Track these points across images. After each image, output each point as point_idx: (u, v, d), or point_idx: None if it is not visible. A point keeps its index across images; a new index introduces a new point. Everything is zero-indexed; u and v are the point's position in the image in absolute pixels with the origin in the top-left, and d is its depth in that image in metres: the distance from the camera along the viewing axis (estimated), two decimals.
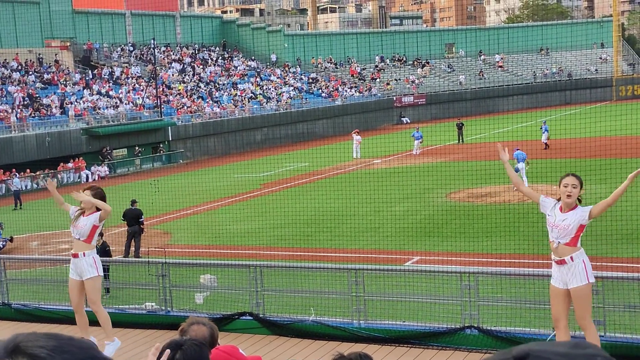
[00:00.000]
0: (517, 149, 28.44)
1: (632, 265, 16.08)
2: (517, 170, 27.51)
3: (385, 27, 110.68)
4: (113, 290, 14.47)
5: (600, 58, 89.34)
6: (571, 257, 8.10)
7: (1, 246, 22.79)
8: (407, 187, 26.18)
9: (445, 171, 30.93)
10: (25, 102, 48.30)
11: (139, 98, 55.47)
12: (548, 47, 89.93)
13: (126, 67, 61.01)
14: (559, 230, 8.10)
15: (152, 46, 60.42)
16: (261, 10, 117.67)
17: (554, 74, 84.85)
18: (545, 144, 39.81)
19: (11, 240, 23.44)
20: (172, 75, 63.33)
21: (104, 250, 14.90)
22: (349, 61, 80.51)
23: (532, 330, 9.73)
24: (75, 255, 10.21)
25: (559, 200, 8.27)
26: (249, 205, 29.35)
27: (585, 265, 8.16)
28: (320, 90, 71.05)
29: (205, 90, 62.45)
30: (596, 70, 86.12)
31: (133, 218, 20.32)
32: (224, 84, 65.34)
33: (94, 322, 10.56)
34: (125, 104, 53.70)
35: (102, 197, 10.26)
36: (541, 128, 40.89)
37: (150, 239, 21.76)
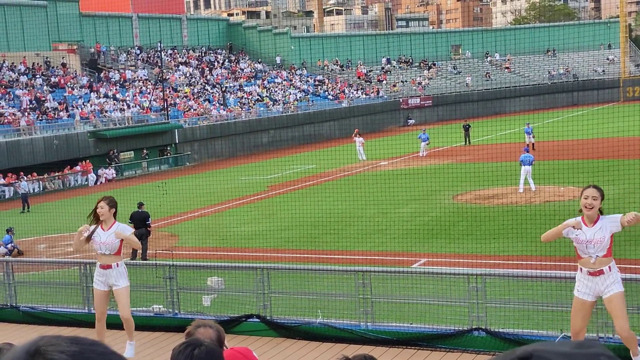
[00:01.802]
0: (525, 151, 28.34)
1: (638, 266, 16.02)
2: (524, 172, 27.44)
3: (392, 29, 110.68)
4: None
5: (608, 59, 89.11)
6: (609, 267, 8.06)
7: (10, 249, 22.83)
8: (413, 189, 26.15)
9: (452, 173, 30.88)
10: (33, 106, 48.46)
11: (145, 101, 55.60)
12: (555, 49, 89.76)
13: (123, 72, 61.08)
14: (596, 244, 7.98)
15: (159, 49, 60.58)
16: (267, 13, 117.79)
17: (561, 75, 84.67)
18: (532, 144, 40.14)
19: (20, 253, 23.40)
20: (179, 77, 63.45)
21: None
22: (350, 63, 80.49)
23: (540, 332, 9.70)
24: (108, 267, 10.11)
25: (580, 212, 8.18)
26: (255, 207, 29.37)
27: (619, 274, 8.19)
28: (326, 92, 71.08)
29: (212, 92, 62.54)
30: (603, 71, 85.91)
31: (140, 220, 20.36)
32: (230, 87, 65.43)
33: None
34: (132, 106, 53.83)
35: (115, 205, 10.24)
36: (528, 132, 41.15)
37: (158, 242, 21.80)
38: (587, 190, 8.08)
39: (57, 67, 56.38)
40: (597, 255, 8.03)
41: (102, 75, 58.65)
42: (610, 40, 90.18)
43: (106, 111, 51.30)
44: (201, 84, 63.82)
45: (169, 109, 54.52)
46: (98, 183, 44.76)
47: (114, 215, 10.17)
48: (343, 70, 79.18)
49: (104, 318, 10.40)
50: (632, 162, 28.74)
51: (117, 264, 10.15)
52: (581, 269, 8.21)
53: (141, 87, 58.50)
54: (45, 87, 52.20)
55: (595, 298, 8.18)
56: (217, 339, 4.50)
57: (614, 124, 36.33)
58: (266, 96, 65.59)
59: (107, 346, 1.34)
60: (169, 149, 52.41)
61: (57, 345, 1.26)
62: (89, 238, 10.10)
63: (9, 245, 22.83)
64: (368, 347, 10.07)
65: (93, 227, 10.14)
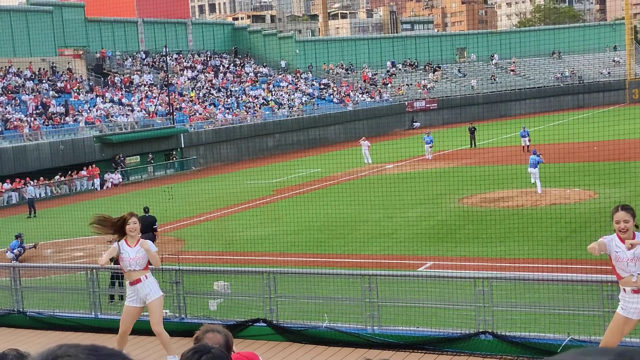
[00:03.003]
0: (534, 152, 28.30)
1: None
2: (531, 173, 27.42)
3: (397, 32, 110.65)
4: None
5: (613, 61, 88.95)
6: None
7: (20, 253, 22.90)
8: (419, 192, 26.11)
9: (457, 176, 30.84)
10: (39, 111, 48.62)
11: (151, 105, 55.71)
12: (560, 51, 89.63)
13: (127, 76, 61.22)
14: (636, 262, 7.83)
15: (164, 54, 60.70)
16: (272, 17, 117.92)
17: (566, 78, 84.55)
18: (527, 147, 40.64)
19: (35, 247, 23.52)
20: (184, 82, 63.58)
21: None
22: (355, 67, 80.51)
23: (547, 336, 9.67)
24: (138, 281, 10.01)
25: (614, 232, 8.08)
26: (261, 211, 29.37)
27: None
28: (331, 96, 71.11)
29: (217, 96, 62.63)
30: (609, 73, 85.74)
31: (147, 225, 20.34)
32: (235, 90, 65.52)
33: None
34: (138, 111, 53.95)
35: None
36: (523, 135, 41.82)
37: (164, 246, 21.81)
38: (618, 214, 7.86)
39: (63, 72, 56.55)
40: (638, 274, 7.88)
41: (107, 80, 58.81)
42: (615, 42, 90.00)
43: (112, 116, 51.43)
44: (206, 88, 63.93)
45: (174, 113, 54.62)
46: (104, 188, 44.85)
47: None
48: (348, 73, 79.22)
49: (126, 335, 10.32)
50: (639, 164, 28.65)
51: (146, 276, 10.08)
52: (624, 289, 8.02)
53: (147, 92, 58.63)
54: (51, 93, 52.37)
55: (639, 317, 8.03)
56: (225, 344, 4.50)
57: (620, 126, 36.21)
58: (271, 100, 65.66)
59: (127, 356, 1.32)
60: (174, 153, 52.49)
61: (75, 356, 1.24)
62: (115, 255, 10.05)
63: (16, 250, 22.89)
64: (374, 351, 10.06)
65: (115, 243, 10.07)
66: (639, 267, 7.86)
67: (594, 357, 1.25)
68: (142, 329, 11.66)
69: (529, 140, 42.02)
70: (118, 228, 10.03)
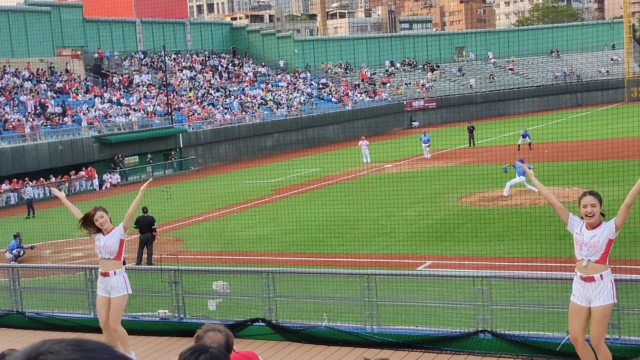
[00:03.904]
0: (519, 160, 27.84)
1: None
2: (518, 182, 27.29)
3: (395, 32, 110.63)
4: None
5: (612, 59, 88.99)
6: (600, 276, 8.01)
7: (19, 254, 22.89)
8: (418, 191, 26.12)
9: (456, 175, 30.85)
10: (37, 111, 48.59)
11: (150, 105, 55.68)
12: (559, 49, 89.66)
13: (125, 76, 61.18)
14: (589, 247, 7.99)
15: (163, 53, 60.68)
16: (271, 17, 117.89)
17: (565, 76, 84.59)
18: (519, 146, 40.68)
19: (32, 248, 23.53)
20: (183, 82, 63.55)
21: None
22: (354, 66, 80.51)
23: (547, 334, 9.67)
24: (106, 274, 10.22)
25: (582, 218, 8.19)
26: (260, 211, 29.38)
27: (613, 285, 8.11)
28: (330, 96, 71.10)
29: (216, 96, 62.61)
30: (607, 71, 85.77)
31: (146, 225, 20.38)
32: (234, 90, 65.51)
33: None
34: (137, 111, 53.93)
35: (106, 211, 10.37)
36: (524, 136, 41.78)
37: (163, 246, 21.81)
38: (585, 198, 8.02)
39: (61, 72, 56.52)
40: (589, 260, 8.01)
41: (106, 80, 58.77)
42: (614, 40, 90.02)
43: (110, 116, 51.41)
44: (205, 88, 63.91)
45: (173, 113, 54.60)
46: (103, 188, 44.84)
47: (110, 220, 10.32)
48: (347, 73, 79.22)
49: (108, 327, 10.37)
50: (638, 162, 28.67)
51: (115, 272, 10.21)
52: (576, 272, 8.22)
53: (145, 92, 58.60)
54: (49, 93, 52.34)
55: (588, 304, 8.13)
56: (226, 344, 4.51)
57: (619, 124, 36.24)
58: (270, 100, 65.64)
59: (113, 350, 1.29)
60: (173, 153, 52.47)
61: (58, 353, 1.22)
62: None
63: (14, 251, 22.88)
64: (374, 351, 10.06)
65: (94, 235, 10.24)
66: (591, 253, 7.98)
67: None
68: (140, 328, 11.67)
69: (529, 142, 41.95)
70: (90, 225, 10.17)
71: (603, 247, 7.99)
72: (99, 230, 10.21)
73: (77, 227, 10.44)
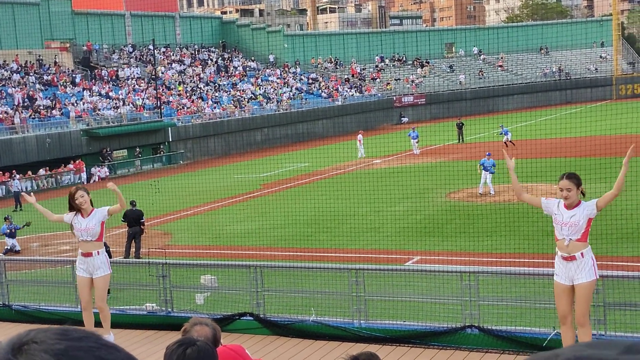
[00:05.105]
0: (488, 156, 27.64)
1: (632, 264, 16.07)
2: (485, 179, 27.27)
3: (385, 27, 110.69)
4: (114, 291, 14.45)
5: (600, 57, 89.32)
6: (581, 254, 8.17)
7: (13, 231, 22.98)
8: (407, 187, 26.16)
9: (445, 171, 30.90)
10: (25, 104, 48.32)
11: (139, 99, 55.48)
12: (548, 47, 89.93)
13: (113, 69, 60.92)
14: (570, 227, 8.14)
15: (152, 47, 60.44)
16: (261, 11, 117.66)
17: (554, 73, 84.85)
18: (506, 143, 40.62)
19: (28, 224, 23.49)
20: (172, 76, 63.34)
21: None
22: (344, 61, 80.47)
23: (533, 330, 9.72)
24: (89, 254, 10.30)
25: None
26: (249, 205, 29.35)
27: (594, 261, 8.26)
28: (320, 91, 71.05)
29: (205, 90, 62.43)
30: (596, 69, 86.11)
31: (134, 219, 20.32)
32: (223, 85, 65.35)
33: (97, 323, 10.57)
34: (126, 104, 53.72)
35: (88, 192, 10.52)
36: (501, 133, 41.67)
37: (151, 240, 21.76)
38: (561, 182, 8.19)
39: (49, 65, 56.20)
40: (570, 239, 8.15)
41: (95, 73, 58.49)
42: (603, 38, 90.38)
43: (99, 109, 51.19)
44: (194, 82, 63.71)
45: (162, 107, 54.42)
46: (91, 181, 44.66)
47: (91, 202, 10.38)
48: (337, 68, 79.17)
49: (90, 307, 10.51)
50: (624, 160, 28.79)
51: (98, 252, 10.33)
52: (557, 251, 8.38)
53: (134, 85, 58.37)
54: (37, 85, 52.06)
55: (570, 282, 8.28)
56: (213, 338, 4.50)
57: (607, 121, 36.41)
58: (260, 94, 65.52)
59: (100, 338, 1.27)
60: (162, 147, 52.32)
61: (43, 342, 1.21)
62: (71, 227, 10.33)
63: (7, 230, 22.99)
64: (361, 345, 10.07)
65: (67, 216, 10.31)
66: (572, 232, 8.12)
67: (601, 349, 1.18)
68: (128, 322, 11.64)
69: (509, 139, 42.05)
70: (70, 203, 10.28)
71: (584, 227, 8.14)
72: (77, 212, 10.24)
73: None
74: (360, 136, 45.19)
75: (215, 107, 59.33)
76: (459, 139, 48.32)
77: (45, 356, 1.18)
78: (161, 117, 53.29)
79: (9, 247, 23.05)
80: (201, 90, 62.32)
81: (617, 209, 17.88)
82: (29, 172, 41.74)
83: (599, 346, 1.18)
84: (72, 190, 10.37)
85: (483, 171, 27.18)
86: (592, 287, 8.30)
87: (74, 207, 10.29)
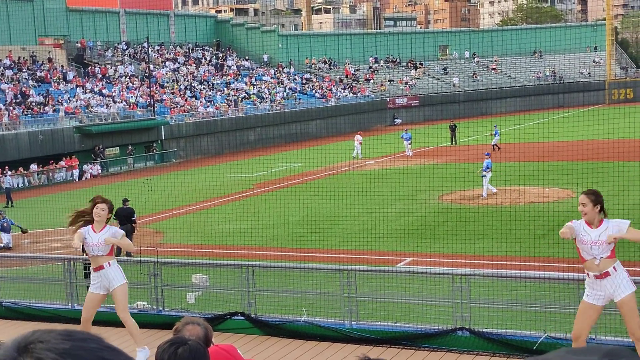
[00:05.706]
0: (487, 156, 27.73)
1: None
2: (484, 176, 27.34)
3: (380, 29, 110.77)
4: None
5: (594, 61, 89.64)
6: (614, 268, 8.07)
7: (7, 225, 22.92)
8: (399, 189, 26.19)
9: (438, 173, 30.95)
10: (18, 100, 48.14)
11: (132, 97, 55.35)
12: (542, 50, 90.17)
13: (106, 67, 60.78)
14: (600, 245, 8.01)
15: (146, 45, 60.32)
16: (255, 10, 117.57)
17: (547, 77, 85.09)
18: (494, 146, 40.87)
19: (25, 232, 23.34)
20: (166, 74, 63.22)
21: None
22: (338, 62, 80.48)
23: (524, 333, 9.74)
24: (101, 268, 10.01)
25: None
26: (241, 205, 29.33)
27: (627, 273, 8.19)
28: (313, 91, 71.05)
29: (199, 89, 62.34)
30: (589, 73, 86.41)
31: (125, 217, 20.27)
32: (217, 83, 65.27)
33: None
34: (119, 102, 53.59)
35: (112, 210, 10.28)
36: (494, 133, 41.89)
37: (143, 238, 21.71)
38: (580, 197, 8.21)
39: (43, 61, 56.02)
40: (601, 257, 8.04)
41: (88, 70, 58.33)
42: (596, 42, 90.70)
43: (92, 106, 51.05)
44: (188, 81, 63.61)
45: (155, 105, 54.31)
46: (83, 179, 44.54)
47: (107, 219, 10.18)
48: (331, 68, 79.19)
49: (88, 324, 10.23)
50: (617, 164, 28.97)
51: (109, 263, 10.06)
52: (588, 274, 8.20)
53: (128, 83, 58.24)
54: (30, 82, 51.88)
55: (606, 302, 8.18)
56: (205, 337, 4.50)
57: (600, 126, 36.51)
58: (253, 94, 65.48)
59: (103, 340, 1.30)
60: (155, 145, 52.21)
61: (47, 342, 1.23)
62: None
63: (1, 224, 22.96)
64: (352, 346, 10.08)
65: (83, 229, 10.04)
66: (602, 250, 8.03)
67: (583, 356, 1.22)
68: (119, 320, 11.59)
69: (498, 141, 42.44)
70: (88, 212, 10.07)
71: (612, 244, 8.06)
72: (88, 223, 10.02)
73: (68, 223, 10.23)
74: (359, 137, 45.26)
75: (208, 106, 59.26)
76: (452, 142, 48.38)
77: (50, 354, 1.20)
78: (154, 115, 53.18)
79: (2, 245, 22.94)
80: (195, 89, 62.24)
81: (616, 212, 17.90)
82: (21, 169, 41.58)
83: (582, 352, 1.23)
84: (98, 199, 10.08)
85: (483, 172, 27.24)
86: (634, 298, 8.18)
87: (84, 215, 10.08)
